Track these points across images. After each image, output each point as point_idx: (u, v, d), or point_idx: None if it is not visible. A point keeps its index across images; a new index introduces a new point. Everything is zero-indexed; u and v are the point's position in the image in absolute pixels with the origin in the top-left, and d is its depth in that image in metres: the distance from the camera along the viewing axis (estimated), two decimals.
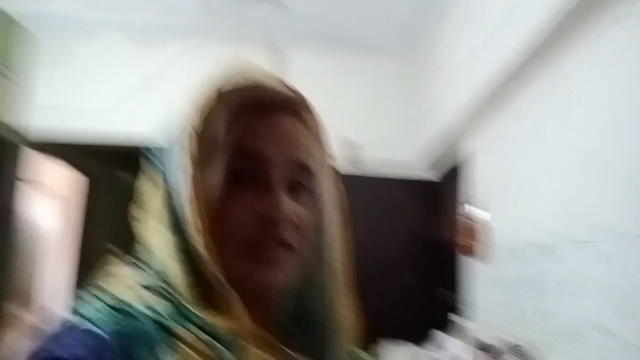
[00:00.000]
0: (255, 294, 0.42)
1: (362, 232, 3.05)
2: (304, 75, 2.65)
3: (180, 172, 0.41)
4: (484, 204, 2.05)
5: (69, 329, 0.36)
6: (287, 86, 0.46)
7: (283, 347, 0.42)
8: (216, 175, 0.40)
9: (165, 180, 0.42)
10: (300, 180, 0.45)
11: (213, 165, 0.41)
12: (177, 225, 0.40)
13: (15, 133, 3.36)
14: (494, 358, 1.57)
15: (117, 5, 2.79)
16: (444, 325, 2.53)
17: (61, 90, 3.39)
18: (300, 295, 0.48)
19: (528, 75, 1.66)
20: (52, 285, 4.54)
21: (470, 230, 2.07)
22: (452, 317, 2.46)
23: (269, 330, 0.43)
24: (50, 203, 4.66)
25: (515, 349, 1.54)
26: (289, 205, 0.42)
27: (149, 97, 3.09)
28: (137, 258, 0.42)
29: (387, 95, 3.20)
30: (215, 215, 0.40)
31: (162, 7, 2.75)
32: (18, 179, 3.43)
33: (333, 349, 0.47)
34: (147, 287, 0.39)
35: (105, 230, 3.86)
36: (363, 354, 0.50)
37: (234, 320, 0.38)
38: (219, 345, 0.36)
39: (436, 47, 2.70)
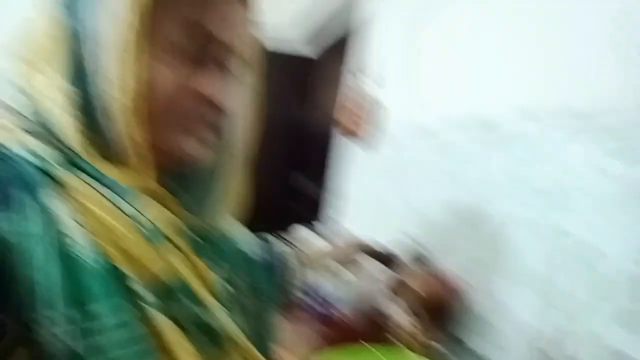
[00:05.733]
0: (169, 162, 0.42)
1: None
2: None
3: (107, 16, 0.36)
4: (378, 79, 1.68)
5: None
6: None
7: (179, 205, 0.42)
8: (158, 36, 0.38)
9: (75, 22, 0.37)
10: (225, 61, 0.44)
11: (159, 22, 0.38)
12: (80, 77, 0.37)
13: None
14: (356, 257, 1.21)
15: None
16: (307, 220, 2.27)
17: None
18: (199, 167, 0.47)
19: None
20: None
21: (357, 108, 1.70)
22: (318, 210, 2.20)
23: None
24: None
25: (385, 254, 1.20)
26: (219, 86, 0.43)
27: None
28: (20, 106, 0.38)
29: None
30: (145, 78, 0.38)
31: None
32: None
33: (215, 215, 0.48)
34: (29, 132, 0.37)
35: None
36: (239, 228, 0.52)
37: (134, 175, 0.38)
38: (117, 194, 0.36)
39: None
